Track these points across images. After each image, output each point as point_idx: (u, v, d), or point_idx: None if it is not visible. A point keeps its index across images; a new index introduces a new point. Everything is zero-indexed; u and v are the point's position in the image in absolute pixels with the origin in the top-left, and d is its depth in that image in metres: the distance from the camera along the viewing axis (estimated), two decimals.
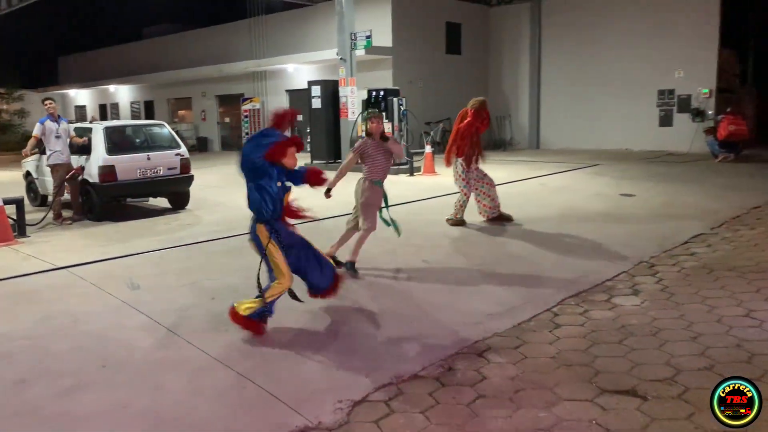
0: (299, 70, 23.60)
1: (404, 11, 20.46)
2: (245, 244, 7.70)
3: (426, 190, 12.38)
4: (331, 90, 16.59)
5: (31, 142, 9.55)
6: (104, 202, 9.39)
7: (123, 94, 35.69)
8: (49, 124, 9.21)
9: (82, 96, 39.75)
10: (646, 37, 19.97)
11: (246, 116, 25.47)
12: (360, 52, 16.22)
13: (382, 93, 14.98)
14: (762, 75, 22.66)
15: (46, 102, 9.49)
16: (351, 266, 6.43)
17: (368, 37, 15.20)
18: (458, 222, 8.73)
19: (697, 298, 5.58)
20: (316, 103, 16.65)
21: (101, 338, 4.92)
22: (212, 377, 4.30)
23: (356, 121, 15.80)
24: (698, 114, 19.03)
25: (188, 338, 4.93)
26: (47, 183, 10.25)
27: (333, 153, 16.54)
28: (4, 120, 37.10)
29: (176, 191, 10.18)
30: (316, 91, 16.78)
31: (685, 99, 19.51)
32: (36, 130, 9.30)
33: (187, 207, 10.58)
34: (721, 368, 4.10)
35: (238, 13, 26.24)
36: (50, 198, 9.49)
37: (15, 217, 8.28)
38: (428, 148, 14.74)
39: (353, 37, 15.44)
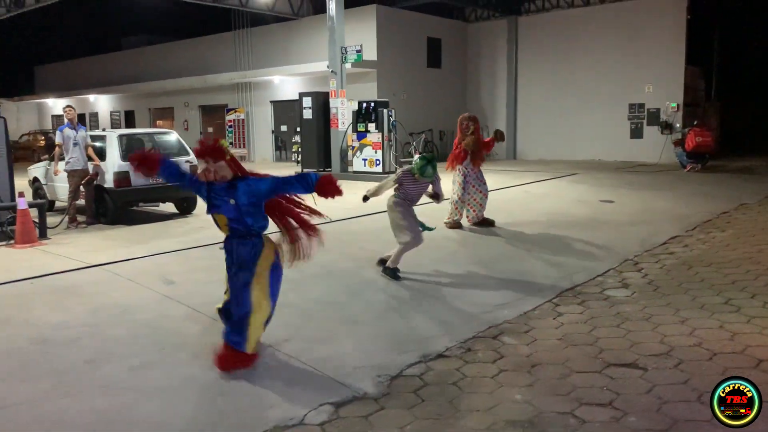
0: (285, 82, 24.09)
1: (388, 26, 21.14)
2: None
3: None
4: (321, 101, 17.13)
5: (56, 152, 9.85)
6: (118, 206, 9.78)
7: (103, 103, 35.69)
8: (67, 131, 9.57)
9: (60, 105, 39.55)
10: (618, 54, 20.95)
11: (230, 126, 25.85)
12: (346, 65, 16.81)
13: (372, 104, 15.56)
14: (724, 90, 23.89)
15: (66, 109, 9.85)
16: (389, 271, 6.74)
17: (358, 51, 15.80)
18: (455, 224, 9.29)
19: (680, 289, 6.25)
20: (307, 114, 17.18)
21: (152, 326, 5.37)
22: (261, 357, 4.80)
23: (346, 131, 16.35)
24: (667, 127, 20.00)
25: None
26: (57, 189, 10.57)
27: (323, 162, 17.06)
28: None
29: (185, 196, 10.60)
30: (307, 102, 17.30)
31: (654, 113, 20.51)
32: (58, 139, 9.65)
33: (194, 212, 11.00)
34: (709, 344, 4.75)
35: (222, 26, 26.61)
36: (61, 203, 9.81)
37: (37, 220, 8.63)
38: (416, 157, 15.33)
39: (344, 51, 16.03)
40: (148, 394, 4.19)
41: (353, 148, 15.84)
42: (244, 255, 4.38)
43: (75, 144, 9.48)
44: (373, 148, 15.34)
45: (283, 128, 24.99)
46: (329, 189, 4.24)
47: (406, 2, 22.56)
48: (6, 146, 8.69)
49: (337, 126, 16.14)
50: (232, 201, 4.29)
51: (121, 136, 9.99)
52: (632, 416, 3.72)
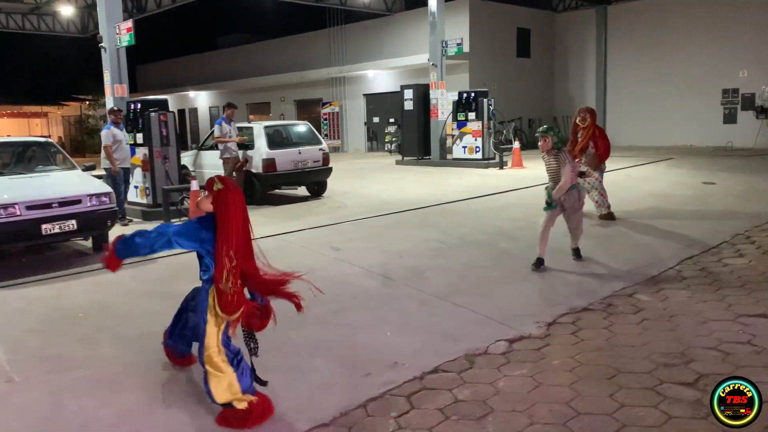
0: (378, 75, 25.12)
1: (480, 18, 21.79)
2: (398, 220, 9.33)
3: (519, 180, 13.65)
4: (422, 92, 18.03)
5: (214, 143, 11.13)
6: (265, 189, 11.02)
7: (202, 99, 37.77)
8: (224, 125, 10.84)
9: None
10: (712, 39, 20.87)
11: (325, 118, 27.13)
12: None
13: (472, 94, 16.34)
14: None
15: (226, 108, 11.12)
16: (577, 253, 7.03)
17: (459, 44, 16.60)
18: (609, 216, 9.10)
19: None
20: (408, 105, 18.13)
21: (336, 281, 6.41)
22: (436, 305, 5.75)
23: (446, 120, 17.18)
24: (762, 111, 19.85)
25: (401, 282, 6.40)
26: (205, 175, 11.87)
27: (422, 150, 17.97)
28: (92, 125, 39.76)
29: (318, 180, 11.76)
30: (408, 94, 18.25)
31: (749, 97, 20.36)
32: (216, 132, 10.92)
33: (324, 195, 12.15)
34: None
35: (316, 23, 27.86)
36: None
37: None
38: (516, 144, 16.07)
39: (444, 44, 16.84)
40: (357, 327, 5.21)
41: (453, 136, 16.67)
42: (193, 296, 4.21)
43: (230, 136, 10.74)
44: (473, 136, 16.13)
45: (375, 120, 26.07)
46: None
47: None
48: (175, 136, 9.96)
49: (437, 116, 17.01)
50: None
51: (266, 128, 11.22)
52: None
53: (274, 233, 8.64)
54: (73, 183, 7.32)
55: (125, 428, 3.70)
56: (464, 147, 16.22)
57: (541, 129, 6.66)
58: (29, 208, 6.57)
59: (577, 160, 9.07)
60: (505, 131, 21.51)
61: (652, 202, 10.42)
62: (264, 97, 31.57)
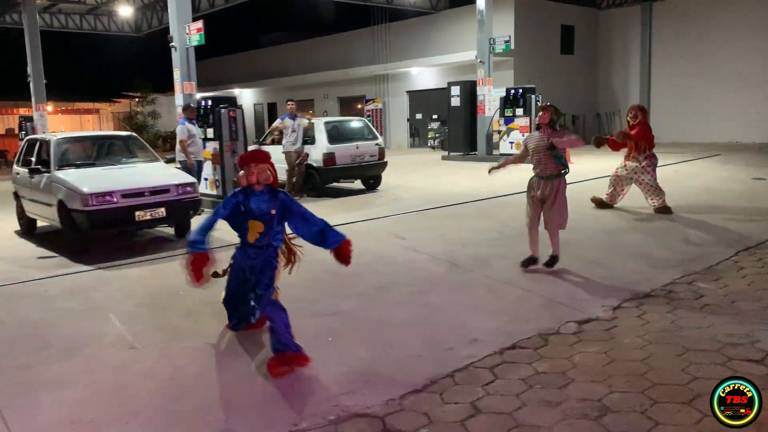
0: (421, 73, 25.44)
1: (525, 16, 21.94)
2: (455, 212, 9.65)
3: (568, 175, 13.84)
4: (468, 89, 18.31)
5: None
6: (324, 182, 11.48)
7: (247, 96, 38.53)
8: (287, 120, 11.32)
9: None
10: (760, 35, 20.66)
11: (368, 115, 27.56)
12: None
13: (520, 91, 16.56)
14: None
15: (288, 103, 11.62)
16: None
17: (507, 41, 16.83)
18: (665, 209, 9.26)
19: None
20: (455, 102, 18.42)
21: (407, 267, 6.80)
22: (504, 290, 6.09)
23: (492, 116, 17.43)
24: None
25: (467, 268, 6.75)
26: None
27: (469, 146, 18.25)
28: (140, 121, 40.97)
29: (374, 174, 12.19)
30: (455, 90, 18.54)
31: None
32: (277, 123, 11.45)
33: (378, 188, 12.56)
34: None
35: (359, 22, 28.27)
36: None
37: None
38: None
39: (492, 42, 17.09)
40: (433, 307, 5.59)
41: (500, 132, 16.92)
42: (262, 262, 4.40)
43: (293, 131, 11.22)
44: (520, 131, 16.34)
45: (418, 116, 26.40)
46: (345, 256, 4.53)
47: None
48: (243, 132, 10.46)
49: (484, 112, 17.28)
50: (273, 211, 4.32)
51: (326, 123, 11.68)
52: None
53: (340, 222, 9.07)
54: (160, 174, 7.86)
55: (247, 389, 4.13)
56: (511, 142, 16.45)
57: (543, 104, 6.57)
58: (124, 196, 7.11)
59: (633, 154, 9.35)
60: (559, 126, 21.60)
61: (703, 197, 10.57)
62: (307, 94, 32.12)
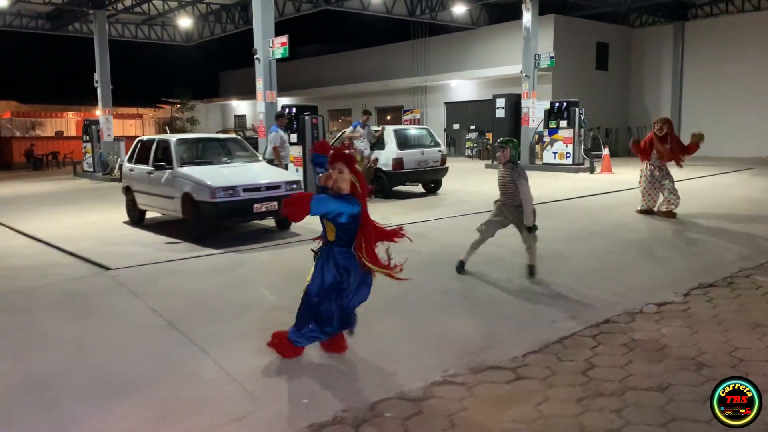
0: (459, 85, 26.35)
1: (563, 33, 22.79)
2: None
3: (613, 184, 14.64)
4: (513, 102, 19.18)
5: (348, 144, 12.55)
6: (392, 184, 12.39)
7: (284, 104, 39.62)
8: (359, 128, 12.26)
9: (242, 106, 44.16)
10: None
11: (407, 125, 28.49)
12: (519, 69, 18.82)
13: (565, 104, 17.39)
14: None
15: (364, 116, 12.55)
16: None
17: (552, 57, 17.70)
18: (645, 211, 10.19)
19: None
20: (500, 113, 19.30)
21: (495, 257, 7.62)
22: (586, 279, 6.90)
23: (536, 128, 18.28)
24: None
25: (548, 260, 7.59)
26: None
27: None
28: (179, 127, 42.31)
29: (436, 179, 13.08)
30: (500, 102, 19.43)
31: None
32: (348, 132, 12.38)
33: (438, 192, 13.44)
34: None
35: (397, 35, 29.24)
36: None
37: None
38: (606, 151, 17.08)
39: (537, 57, 17.97)
40: (529, 291, 6.43)
41: (543, 142, 17.75)
42: (347, 263, 4.48)
43: (363, 138, 12.16)
44: (563, 143, 17.18)
45: (455, 126, 27.27)
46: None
47: (579, 11, 24.03)
48: (323, 136, 11.42)
49: (528, 123, 18.12)
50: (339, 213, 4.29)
51: (395, 131, 12.61)
52: None
53: (415, 221, 9.97)
54: (271, 172, 8.81)
55: (400, 344, 5.01)
56: (554, 153, 17.28)
57: (500, 140, 6.74)
58: (245, 190, 8.05)
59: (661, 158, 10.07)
60: (583, 140, 22.42)
61: (744, 205, 11.33)
62: (345, 104, 33.12)
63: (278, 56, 12.50)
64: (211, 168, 8.68)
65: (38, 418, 3.89)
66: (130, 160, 10.14)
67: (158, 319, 5.44)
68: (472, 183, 15.10)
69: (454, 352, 4.96)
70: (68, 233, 9.34)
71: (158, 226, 9.82)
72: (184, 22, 25.61)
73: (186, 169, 8.50)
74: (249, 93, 40.40)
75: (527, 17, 18.08)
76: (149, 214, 10.14)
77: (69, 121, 41.51)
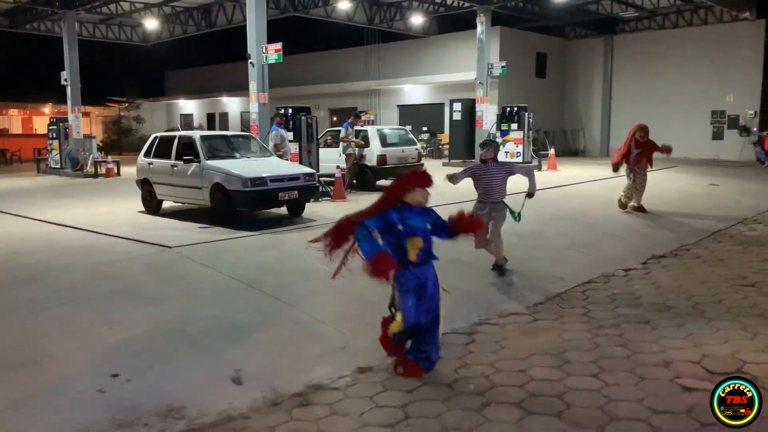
0: (412, 89, 27.82)
1: (508, 43, 24.59)
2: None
3: (561, 179, 16.35)
4: (468, 106, 20.78)
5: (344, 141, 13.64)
6: (377, 178, 13.61)
7: (233, 105, 40.06)
8: (349, 129, 13.39)
9: (189, 105, 44.17)
10: (702, 68, 23.92)
11: (362, 125, 29.67)
12: (470, 76, 20.47)
13: (515, 108, 19.10)
14: None
15: (353, 116, 13.66)
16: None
17: (503, 66, 19.37)
18: (622, 206, 11.30)
19: None
20: (456, 116, 20.87)
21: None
22: (566, 252, 8.37)
23: (489, 130, 19.93)
24: (745, 130, 22.91)
25: (530, 238, 9.04)
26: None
27: (467, 154, 20.70)
28: (126, 126, 42.01)
29: None
30: (456, 106, 21.01)
31: (734, 118, 23.43)
32: (342, 133, 13.45)
33: None
34: None
35: (353, 41, 30.33)
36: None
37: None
38: (552, 150, 18.89)
39: (490, 66, 19.61)
40: (526, 259, 7.84)
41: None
42: (433, 277, 4.51)
43: (351, 137, 13.33)
44: (514, 143, 18.87)
45: (408, 128, 28.68)
46: (469, 225, 4.63)
47: (522, 24, 25.91)
48: (316, 135, 12.50)
49: (482, 125, 19.74)
50: (428, 225, 4.45)
51: (378, 131, 13.87)
52: None
53: None
54: (288, 164, 9.88)
55: None
56: (506, 152, 18.93)
57: (486, 140, 7.26)
58: (272, 180, 9.11)
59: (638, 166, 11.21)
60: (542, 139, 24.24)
61: (676, 196, 13.22)
62: (298, 104, 33.86)
63: (272, 61, 13.50)
64: (236, 161, 9.69)
65: (187, 351, 4.95)
66: (146, 155, 10.94)
67: (238, 282, 6.51)
68: (440, 178, 16.45)
69: (483, 305, 6.28)
70: (92, 221, 10.03)
71: (176, 215, 10.70)
72: (151, 23, 25.89)
73: (214, 162, 9.47)
74: (196, 93, 40.78)
75: (481, 29, 19.70)
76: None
77: (13, 119, 40.52)
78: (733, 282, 6.82)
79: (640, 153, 11.25)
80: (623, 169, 11.39)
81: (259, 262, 7.30)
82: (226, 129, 39.95)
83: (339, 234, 4.45)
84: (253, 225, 9.31)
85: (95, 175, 19.40)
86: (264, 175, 9.06)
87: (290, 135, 12.32)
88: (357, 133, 13.77)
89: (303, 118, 12.35)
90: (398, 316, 4.45)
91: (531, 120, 18.96)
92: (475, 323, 5.82)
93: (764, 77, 23.07)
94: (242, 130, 37.91)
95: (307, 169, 9.91)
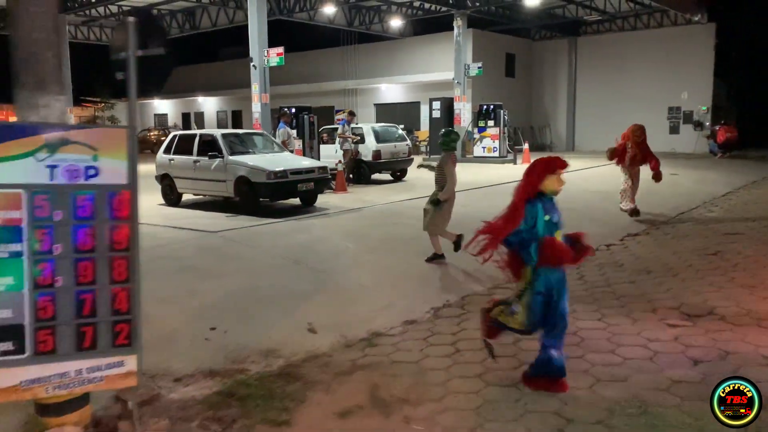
0: (390, 89, 28.84)
1: (480, 45, 25.78)
2: (475, 194, 13.11)
3: None
4: (447, 104, 21.91)
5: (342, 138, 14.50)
6: (372, 172, 14.58)
7: (210, 104, 40.44)
8: (345, 126, 14.30)
9: (163, 105, 44.31)
10: (660, 67, 25.53)
11: (339, 122, 30.60)
12: (445, 76, 21.56)
13: (492, 106, 20.29)
14: (740, 96, 28.42)
15: (348, 114, 14.57)
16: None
17: (480, 67, 20.53)
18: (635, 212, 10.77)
19: (746, 211, 10.95)
20: (436, 114, 21.98)
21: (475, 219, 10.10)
22: None
23: (467, 127, 21.08)
24: (699, 125, 24.60)
25: None
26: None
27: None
28: (102, 125, 41.82)
29: (404, 167, 15.41)
30: (436, 105, 22.11)
31: (688, 114, 25.12)
32: (339, 130, 14.37)
33: (404, 179, 15.80)
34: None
35: (330, 42, 31.14)
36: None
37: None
38: (526, 145, 20.14)
39: (467, 67, 20.74)
40: None
41: (474, 138, 20.57)
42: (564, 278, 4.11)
43: (348, 134, 14.28)
44: (491, 139, 20.06)
45: (400, 126, 29.75)
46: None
47: (493, 27, 27.15)
48: (317, 132, 13.41)
49: (460, 122, 20.87)
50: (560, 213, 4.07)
51: (373, 128, 14.84)
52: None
53: (401, 200, 12.28)
54: (303, 158, 10.77)
55: (422, 273, 7.32)
56: (483, 147, 20.12)
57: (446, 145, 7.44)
58: (292, 173, 10.02)
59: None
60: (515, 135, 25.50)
61: (643, 185, 14.49)
62: (276, 103, 34.50)
63: (273, 64, 14.34)
64: (256, 156, 10.56)
65: (263, 310, 5.88)
66: (166, 152, 11.69)
67: (284, 259, 7.44)
68: (424, 173, 17.53)
69: (492, 275, 7.32)
70: None
71: (196, 206, 11.51)
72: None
73: (237, 157, 10.32)
74: (170, 92, 40.95)
75: (457, 31, 20.83)
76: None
77: None
78: (699, 252, 8.02)
79: (635, 155, 10.85)
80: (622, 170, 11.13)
81: (294, 243, 8.22)
82: (203, 128, 40.46)
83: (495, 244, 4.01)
84: (274, 213, 10.19)
85: None
86: (286, 168, 9.97)
87: (294, 132, 13.19)
88: (352, 131, 14.72)
89: (306, 116, 13.24)
90: (521, 314, 4.07)
91: (506, 117, 20.17)
92: (489, 289, 6.87)
93: (715, 76, 24.81)
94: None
95: (320, 163, 10.85)
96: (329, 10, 22.64)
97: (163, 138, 37.56)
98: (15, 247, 3.39)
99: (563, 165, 3.99)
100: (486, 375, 4.41)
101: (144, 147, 36.11)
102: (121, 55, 3.92)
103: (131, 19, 3.84)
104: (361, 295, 6.44)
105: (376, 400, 4.06)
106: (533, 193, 3.98)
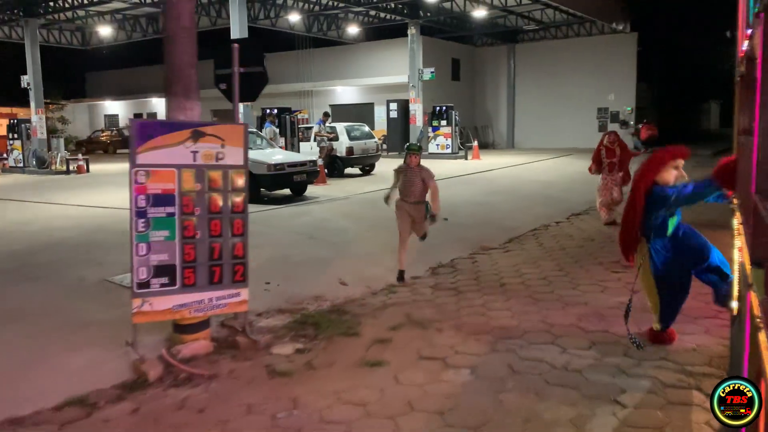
0: (344, 91, 30.21)
1: (429, 50, 27.42)
2: (446, 183, 14.52)
3: (485, 166, 19.42)
4: (403, 106, 23.51)
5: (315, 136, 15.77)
6: (345, 166, 15.96)
7: (162, 106, 40.54)
8: (321, 126, 15.62)
9: (114, 106, 44.15)
10: (589, 71, 27.95)
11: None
12: (397, 79, 23.14)
13: (445, 107, 21.99)
14: (660, 98, 31.30)
15: (324, 115, 15.86)
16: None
17: (432, 72, 22.20)
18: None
19: None
20: (393, 114, 23.54)
21: (449, 203, 11.70)
22: (512, 215, 11.21)
23: (421, 126, 22.73)
24: (624, 123, 27.11)
25: (486, 206, 11.81)
26: None
27: (402, 146, 23.43)
28: (51, 127, 41.57)
29: (373, 162, 16.86)
30: (393, 106, 23.67)
31: (615, 114, 27.63)
32: (315, 129, 15.66)
33: (373, 173, 17.26)
34: None
35: (284, 46, 32.18)
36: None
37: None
38: (475, 143, 21.95)
39: (420, 71, 22.39)
40: (482, 214, 10.57)
41: (428, 136, 22.24)
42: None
43: (324, 132, 15.62)
44: (444, 137, 21.78)
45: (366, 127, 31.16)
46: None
47: (440, 34, 28.93)
48: (297, 132, 14.72)
49: (415, 122, 22.51)
50: None
51: (345, 127, 16.22)
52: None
53: (378, 189, 13.74)
54: (296, 153, 12.07)
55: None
56: (437, 144, 21.80)
57: (414, 146, 7.15)
58: (289, 166, 11.32)
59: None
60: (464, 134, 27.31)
61: (577, 176, 16.49)
62: (228, 104, 35.28)
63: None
64: (255, 151, 11.73)
65: (300, 271, 7.25)
66: None
67: (300, 235, 8.79)
68: (387, 167, 19.13)
69: (470, 245, 8.90)
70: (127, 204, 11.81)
71: None
72: (105, 30, 26.65)
73: None
74: (122, 94, 40.93)
75: (411, 39, 22.44)
76: None
77: None
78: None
79: (613, 161, 10.05)
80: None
81: (302, 223, 9.58)
82: None
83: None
84: (273, 202, 11.47)
85: (67, 172, 20.41)
86: (283, 161, 11.28)
87: (278, 130, 14.46)
88: (327, 129, 16.09)
89: (288, 117, 14.53)
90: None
91: (457, 117, 21.93)
92: (470, 254, 8.44)
93: (638, 79, 27.41)
94: None
95: (311, 157, 12.20)
96: (294, 18, 23.80)
97: (115, 138, 38.00)
98: (170, 209, 4.70)
99: (686, 155, 4.34)
100: (488, 304, 5.96)
101: (96, 147, 36.30)
102: (225, 71, 5.25)
103: (236, 45, 5.18)
104: (373, 259, 7.88)
105: (412, 320, 5.53)
106: (649, 182, 4.29)
